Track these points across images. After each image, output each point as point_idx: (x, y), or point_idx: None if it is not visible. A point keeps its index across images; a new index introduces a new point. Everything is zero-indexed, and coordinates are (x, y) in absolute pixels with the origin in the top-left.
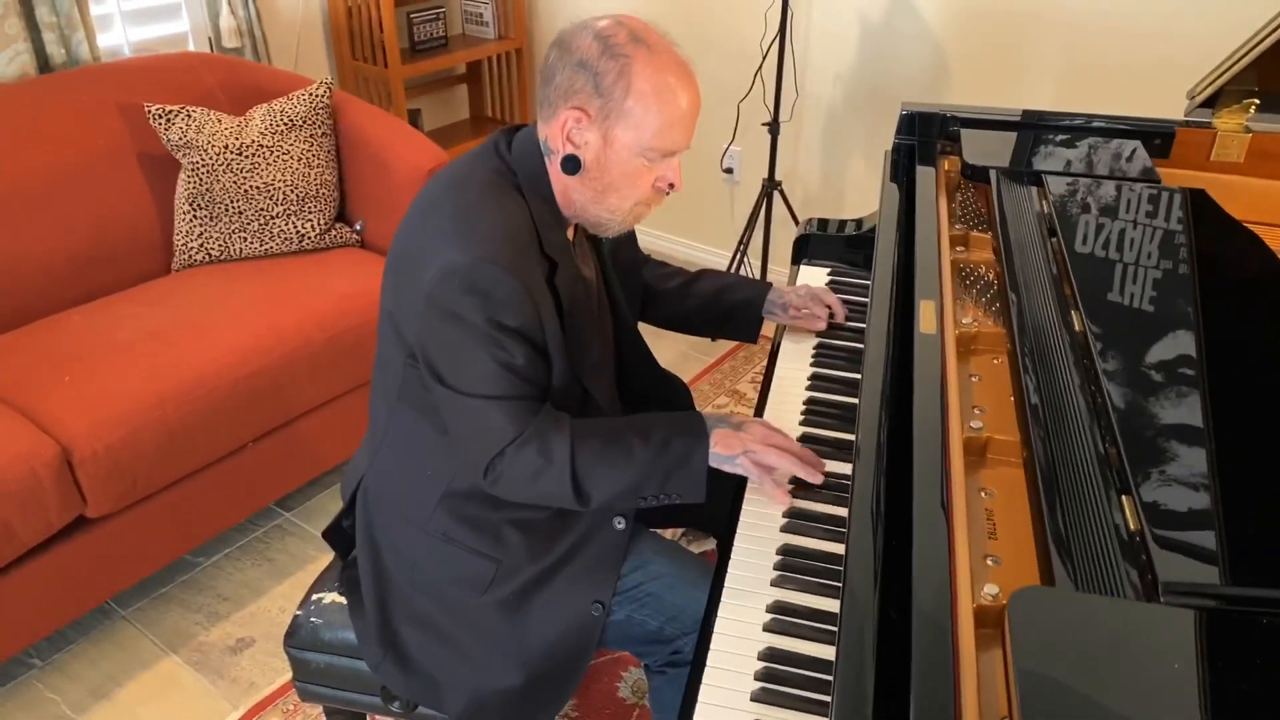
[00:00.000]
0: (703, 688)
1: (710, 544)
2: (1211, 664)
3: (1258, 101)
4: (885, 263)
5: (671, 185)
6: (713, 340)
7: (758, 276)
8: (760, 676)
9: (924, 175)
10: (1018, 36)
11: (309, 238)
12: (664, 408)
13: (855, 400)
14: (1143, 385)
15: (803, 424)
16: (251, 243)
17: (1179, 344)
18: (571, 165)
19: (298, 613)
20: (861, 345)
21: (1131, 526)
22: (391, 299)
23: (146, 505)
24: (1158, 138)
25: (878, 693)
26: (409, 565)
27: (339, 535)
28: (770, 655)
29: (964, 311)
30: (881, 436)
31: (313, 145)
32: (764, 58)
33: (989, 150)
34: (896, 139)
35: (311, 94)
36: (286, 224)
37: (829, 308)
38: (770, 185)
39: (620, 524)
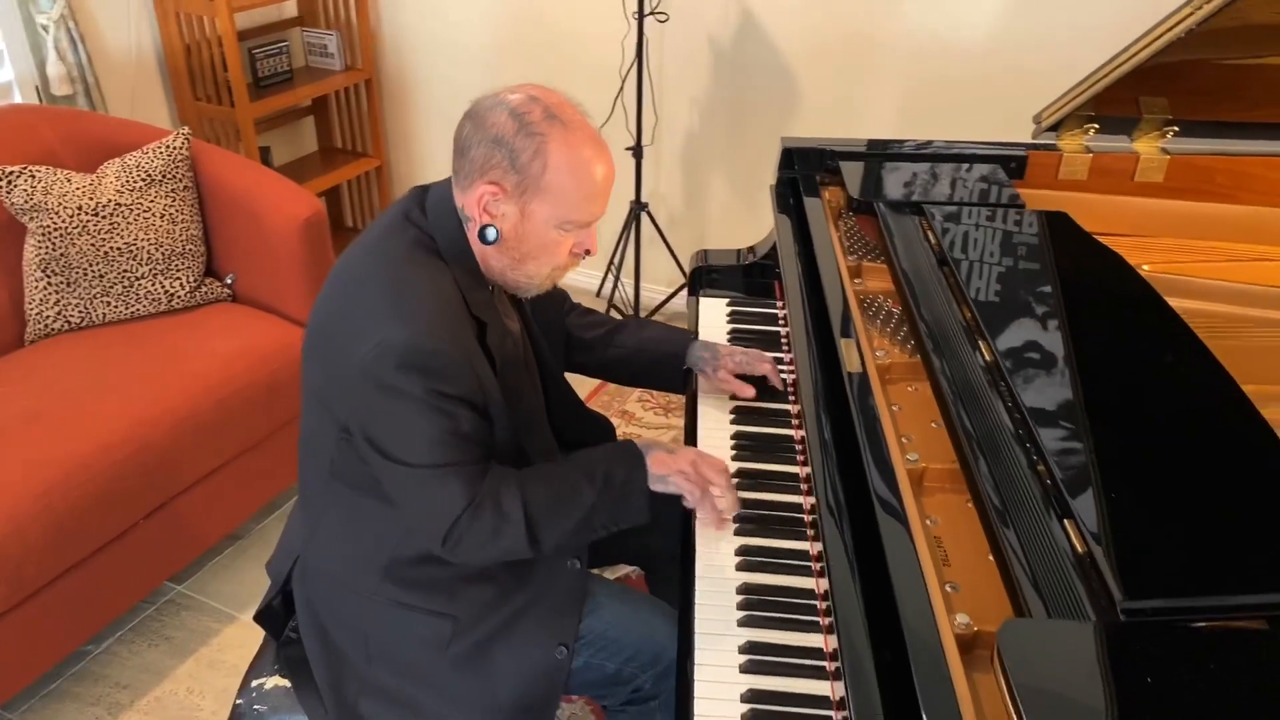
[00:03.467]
0: None
1: (624, 570)
2: (1164, 669)
3: (1097, 125)
4: (795, 301)
5: (588, 251)
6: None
7: (631, 295)
8: (747, 717)
9: (813, 208)
10: (861, 60)
11: (179, 297)
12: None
13: (794, 499)
14: (1054, 404)
15: (735, 459)
16: (116, 306)
17: (1061, 365)
18: (489, 236)
19: (238, 701)
20: (777, 405)
21: (1079, 550)
22: (318, 376)
23: (34, 601)
24: (1013, 161)
25: None
26: (361, 638)
27: (270, 616)
28: (752, 696)
29: (874, 344)
30: (835, 490)
31: (175, 200)
32: (623, 83)
33: (868, 180)
34: (780, 173)
35: (169, 146)
36: (153, 284)
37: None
38: (638, 207)
39: (575, 564)
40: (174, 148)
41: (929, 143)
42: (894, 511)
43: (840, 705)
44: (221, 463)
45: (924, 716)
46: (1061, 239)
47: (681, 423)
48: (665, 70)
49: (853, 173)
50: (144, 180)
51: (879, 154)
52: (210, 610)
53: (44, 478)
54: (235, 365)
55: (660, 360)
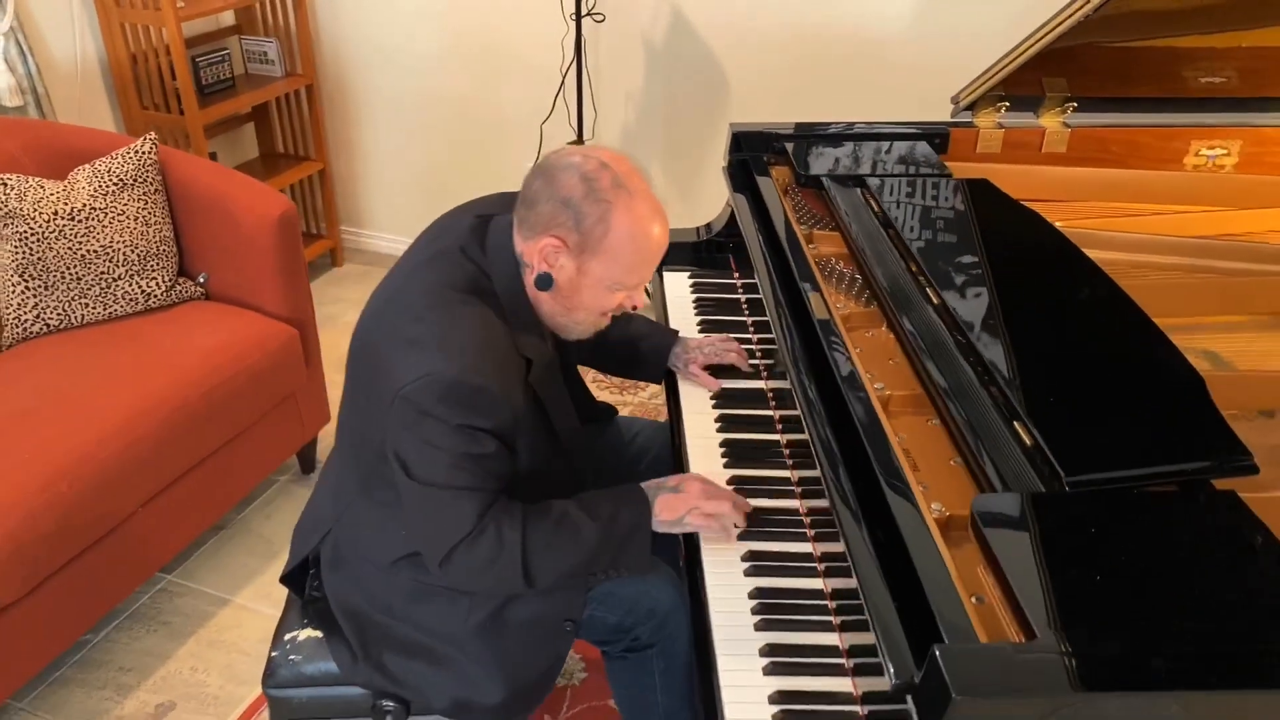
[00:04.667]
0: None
1: None
2: (1101, 524)
3: (1008, 104)
4: (762, 267)
5: (635, 306)
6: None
7: None
8: (756, 611)
9: (766, 186)
10: (789, 52)
11: (155, 296)
12: (598, 430)
13: (772, 437)
14: (997, 335)
15: (727, 466)
16: (94, 307)
17: (996, 303)
18: (545, 282)
19: (273, 654)
20: (758, 385)
21: (1028, 443)
22: (361, 386)
23: (42, 589)
24: (937, 137)
25: (894, 594)
26: (385, 606)
27: (294, 578)
28: (759, 593)
29: (832, 299)
30: (821, 421)
31: (147, 203)
32: (563, 81)
33: (814, 159)
34: (731, 156)
35: (138, 151)
36: (130, 285)
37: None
38: None
39: None
40: (143, 153)
41: (861, 124)
42: (873, 428)
43: (832, 596)
44: (210, 451)
45: (920, 577)
46: (984, 201)
47: (637, 400)
48: (603, 68)
49: (799, 153)
50: (116, 185)
51: (821, 135)
52: (203, 595)
53: (48, 469)
54: (218, 358)
55: (644, 354)
